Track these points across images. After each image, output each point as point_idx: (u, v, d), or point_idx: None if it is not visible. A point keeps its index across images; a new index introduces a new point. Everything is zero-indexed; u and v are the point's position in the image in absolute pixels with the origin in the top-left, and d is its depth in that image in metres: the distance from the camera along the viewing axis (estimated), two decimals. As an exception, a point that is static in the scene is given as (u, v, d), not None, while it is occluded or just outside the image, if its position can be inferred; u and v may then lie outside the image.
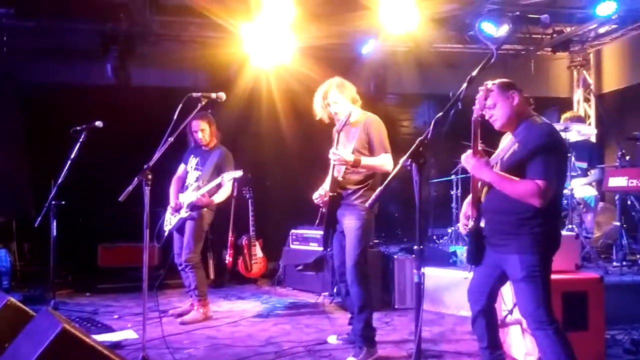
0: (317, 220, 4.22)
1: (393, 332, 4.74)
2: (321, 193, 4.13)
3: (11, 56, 6.69)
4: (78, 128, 4.92)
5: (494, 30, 6.11)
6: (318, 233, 6.13)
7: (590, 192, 5.98)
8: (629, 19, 7.03)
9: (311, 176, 4.70)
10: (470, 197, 3.12)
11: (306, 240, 6.50)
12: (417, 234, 2.55)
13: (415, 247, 2.56)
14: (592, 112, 8.65)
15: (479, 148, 2.96)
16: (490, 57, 2.74)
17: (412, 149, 2.52)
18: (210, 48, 7.15)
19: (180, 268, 5.16)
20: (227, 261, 6.71)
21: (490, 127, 3.06)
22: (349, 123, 4.08)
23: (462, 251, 5.71)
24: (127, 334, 4.53)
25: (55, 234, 5.03)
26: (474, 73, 2.70)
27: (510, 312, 3.76)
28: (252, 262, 6.73)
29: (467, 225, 3.11)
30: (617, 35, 7.84)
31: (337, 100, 4.08)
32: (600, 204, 6.21)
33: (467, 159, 2.96)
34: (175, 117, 3.62)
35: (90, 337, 2.86)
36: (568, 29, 7.44)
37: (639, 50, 7.69)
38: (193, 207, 5.01)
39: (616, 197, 5.65)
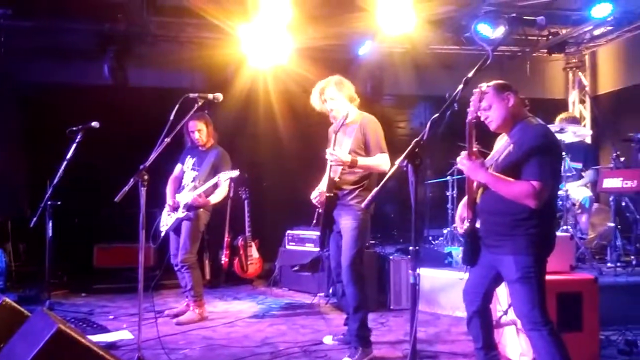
0: (315, 221, 4.23)
1: (388, 332, 4.75)
2: (318, 193, 4.14)
3: (8, 56, 6.66)
4: (74, 128, 4.91)
5: (490, 31, 6.12)
6: (314, 234, 6.14)
7: (585, 194, 6.00)
8: (624, 20, 7.05)
9: (308, 177, 4.71)
10: (465, 198, 3.13)
11: (302, 241, 6.51)
12: (412, 234, 2.56)
13: (411, 247, 2.58)
14: (587, 114, 8.67)
15: (474, 149, 2.97)
16: (486, 59, 2.76)
17: (408, 150, 2.53)
18: (208, 49, 7.15)
19: (176, 268, 5.16)
20: (223, 262, 6.71)
21: (485, 128, 3.08)
22: (346, 123, 4.09)
23: (457, 252, 5.72)
24: (122, 335, 4.53)
25: (50, 234, 5.02)
26: (470, 74, 2.71)
27: (505, 312, 3.78)
28: (248, 262, 6.73)
29: (463, 227, 3.13)
30: (613, 37, 7.86)
31: (334, 97, 4.09)
32: (595, 205, 6.23)
33: (462, 161, 2.97)
34: (172, 117, 3.62)
35: (86, 338, 2.87)
36: (564, 31, 7.46)
37: (634, 52, 7.72)
38: (189, 207, 5.01)
39: (611, 199, 5.67)
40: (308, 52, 7.00)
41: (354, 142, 4.04)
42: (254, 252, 6.78)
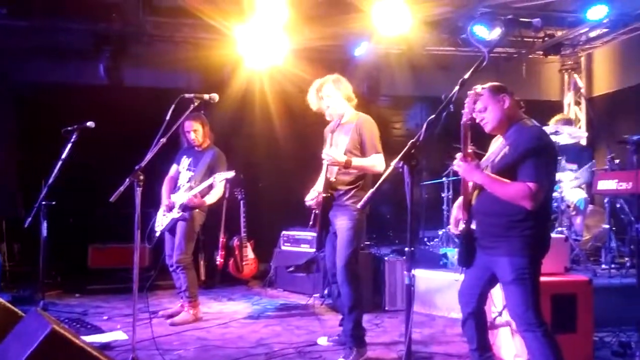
0: (311, 222, 4.23)
1: (383, 333, 4.75)
2: (314, 195, 4.13)
3: (4, 56, 6.65)
4: (69, 128, 4.89)
5: (486, 33, 6.13)
6: (309, 235, 6.14)
7: (580, 195, 6.02)
8: (620, 22, 7.08)
9: (304, 178, 4.71)
10: (459, 200, 3.14)
11: (297, 242, 6.51)
12: (408, 235, 2.56)
13: (406, 249, 2.58)
14: (582, 116, 8.70)
15: (469, 151, 2.98)
16: (482, 60, 2.77)
17: (404, 151, 2.53)
18: (204, 49, 7.14)
19: (171, 269, 5.15)
20: (218, 262, 6.69)
21: (480, 130, 3.08)
22: (342, 123, 4.09)
23: (452, 253, 5.73)
24: (116, 335, 4.51)
25: (45, 234, 4.99)
26: (466, 76, 2.72)
27: (500, 314, 3.78)
28: (243, 263, 6.72)
29: (457, 228, 3.13)
30: (608, 39, 7.90)
31: (331, 94, 4.09)
32: (590, 207, 6.24)
33: (457, 163, 2.98)
34: (167, 117, 3.61)
35: (80, 338, 2.85)
36: (559, 33, 7.49)
37: (629, 54, 7.75)
38: (185, 207, 5.00)
39: (605, 200, 5.69)
40: (304, 53, 7.00)
41: (350, 142, 4.04)
42: (249, 253, 6.77)
